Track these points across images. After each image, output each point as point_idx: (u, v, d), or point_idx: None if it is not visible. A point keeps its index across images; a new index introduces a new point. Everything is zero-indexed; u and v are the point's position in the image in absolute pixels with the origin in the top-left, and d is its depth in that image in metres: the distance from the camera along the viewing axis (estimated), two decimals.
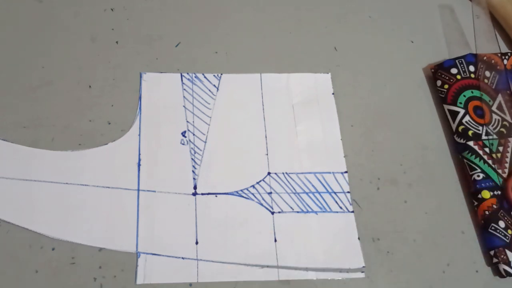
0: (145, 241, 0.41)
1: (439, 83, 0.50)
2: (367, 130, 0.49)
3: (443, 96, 0.50)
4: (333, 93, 0.50)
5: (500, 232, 0.43)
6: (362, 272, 0.42)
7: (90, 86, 0.47)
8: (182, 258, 0.41)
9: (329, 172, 0.46)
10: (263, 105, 0.49)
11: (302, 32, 0.53)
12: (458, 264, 0.43)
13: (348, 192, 0.45)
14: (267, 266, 0.41)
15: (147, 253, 0.41)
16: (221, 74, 0.50)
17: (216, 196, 0.44)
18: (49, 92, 0.47)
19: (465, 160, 0.46)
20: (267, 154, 0.46)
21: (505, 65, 0.51)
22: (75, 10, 0.52)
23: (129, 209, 0.42)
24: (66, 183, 0.43)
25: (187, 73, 0.49)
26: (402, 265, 0.43)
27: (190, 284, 0.40)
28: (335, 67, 0.52)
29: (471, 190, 0.46)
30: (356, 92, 0.50)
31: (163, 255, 0.41)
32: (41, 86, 0.47)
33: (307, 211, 0.44)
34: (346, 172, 0.46)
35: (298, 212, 0.44)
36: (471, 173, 0.46)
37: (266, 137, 0.47)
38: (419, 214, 0.45)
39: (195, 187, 0.44)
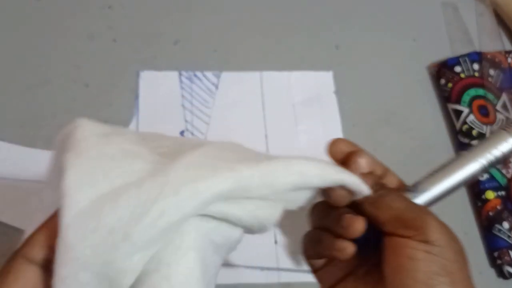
0: None
1: (442, 81, 0.50)
2: (370, 129, 0.48)
3: (446, 94, 0.49)
4: (334, 92, 0.49)
5: (504, 234, 0.43)
6: None
7: (87, 85, 0.47)
8: None
9: None
10: (263, 104, 0.48)
11: (303, 30, 0.53)
12: None
13: None
14: (268, 269, 0.41)
15: None
16: (221, 73, 0.49)
17: None
18: (46, 91, 0.46)
19: None
20: None
21: (509, 63, 0.50)
22: (72, 9, 0.51)
23: None
24: None
25: (186, 72, 0.49)
26: None
27: None
28: (337, 65, 0.51)
29: (475, 191, 0.45)
30: (358, 90, 0.50)
31: None
32: (38, 85, 0.46)
33: None
34: None
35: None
36: None
37: (266, 136, 0.46)
38: None
39: None
